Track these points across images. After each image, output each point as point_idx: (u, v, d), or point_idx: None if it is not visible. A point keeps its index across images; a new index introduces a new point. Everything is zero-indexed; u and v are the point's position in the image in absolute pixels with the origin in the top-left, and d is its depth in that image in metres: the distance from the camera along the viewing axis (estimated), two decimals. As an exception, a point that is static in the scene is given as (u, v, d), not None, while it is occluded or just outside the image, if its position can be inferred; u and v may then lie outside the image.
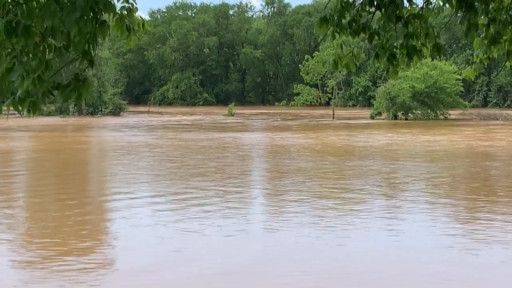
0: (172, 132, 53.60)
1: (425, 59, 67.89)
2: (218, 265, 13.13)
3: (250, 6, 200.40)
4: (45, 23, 5.01)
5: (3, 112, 5.26)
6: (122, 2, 5.64)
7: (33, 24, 4.88)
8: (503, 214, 18.17)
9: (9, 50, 4.96)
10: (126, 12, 5.78)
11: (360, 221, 17.36)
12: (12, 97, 5.03)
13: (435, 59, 74.85)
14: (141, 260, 13.63)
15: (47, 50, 5.09)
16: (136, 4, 5.91)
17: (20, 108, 5.06)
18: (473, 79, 8.32)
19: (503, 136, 49.35)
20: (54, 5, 4.89)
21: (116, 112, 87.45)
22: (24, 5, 4.90)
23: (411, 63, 6.82)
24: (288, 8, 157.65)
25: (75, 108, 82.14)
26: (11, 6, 4.87)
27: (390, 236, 15.75)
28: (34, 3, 4.98)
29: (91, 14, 5.00)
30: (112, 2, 5.33)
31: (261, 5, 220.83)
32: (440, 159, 33.03)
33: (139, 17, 6.06)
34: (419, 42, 6.76)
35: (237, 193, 22.34)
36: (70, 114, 79.80)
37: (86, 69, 5.35)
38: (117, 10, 5.44)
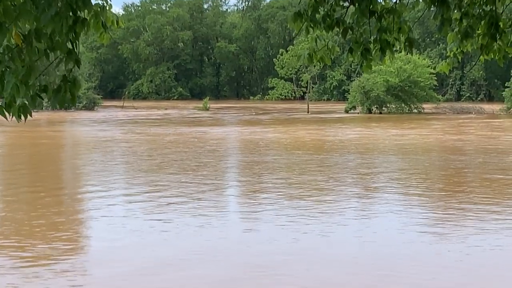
0: (142, 127, 53.43)
1: (399, 53, 68.41)
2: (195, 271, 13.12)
3: (225, 0, 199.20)
4: (27, 24, 4.97)
5: None
6: (96, -1, 5.63)
7: (8, 24, 4.83)
8: (459, 209, 18.35)
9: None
10: (99, 9, 5.76)
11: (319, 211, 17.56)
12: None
13: (408, 53, 75.17)
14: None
15: (32, 53, 5.03)
16: (110, 1, 5.89)
17: (6, 114, 5.00)
18: (447, 73, 8.36)
19: (471, 130, 49.78)
20: (29, 3, 4.85)
21: (90, 106, 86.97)
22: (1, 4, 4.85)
23: (384, 57, 6.86)
24: (263, 2, 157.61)
25: (49, 102, 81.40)
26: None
27: (357, 221, 15.84)
28: (9, 2, 4.92)
29: (70, 12, 4.95)
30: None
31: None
32: (407, 153, 33.20)
33: (112, 14, 6.04)
34: (392, 37, 6.79)
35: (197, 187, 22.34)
36: (43, 108, 79.12)
37: (73, 69, 5.30)
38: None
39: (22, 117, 5.12)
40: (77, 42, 5.24)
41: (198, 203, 19.14)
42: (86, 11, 5.25)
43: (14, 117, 5.12)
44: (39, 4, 4.86)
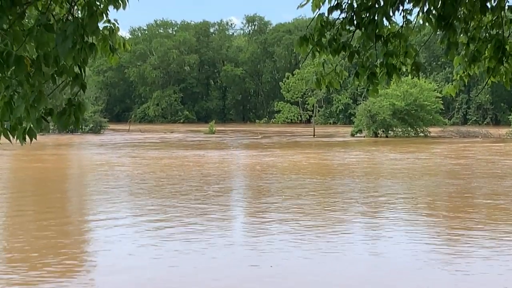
0: (145, 150, 53.22)
1: (405, 77, 68.10)
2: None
3: (231, 24, 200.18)
4: (35, 50, 4.98)
5: None
6: (104, 22, 5.65)
7: (23, 53, 4.85)
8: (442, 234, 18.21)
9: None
10: (108, 33, 5.80)
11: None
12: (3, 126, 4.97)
13: (414, 77, 75.24)
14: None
15: (41, 77, 5.04)
16: (118, 24, 5.92)
17: (11, 136, 5.00)
18: (453, 96, 8.34)
19: (472, 154, 49.43)
20: (45, 34, 4.87)
21: (97, 130, 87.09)
22: (11, 31, 4.86)
23: (390, 81, 6.86)
24: (269, 26, 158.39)
25: (55, 126, 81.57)
26: (1, 36, 4.83)
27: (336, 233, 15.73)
28: (18, 27, 4.94)
29: (80, 39, 4.98)
30: (98, 26, 5.33)
31: (242, 23, 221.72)
32: (403, 177, 33.04)
33: (120, 37, 6.07)
34: (398, 61, 6.79)
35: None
36: (50, 131, 79.09)
37: (78, 93, 5.31)
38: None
39: (28, 140, 5.12)
40: (85, 67, 5.27)
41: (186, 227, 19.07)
42: (94, 36, 5.28)
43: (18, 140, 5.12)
44: (56, 35, 4.88)
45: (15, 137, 5.08)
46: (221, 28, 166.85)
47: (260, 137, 78.76)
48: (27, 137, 5.13)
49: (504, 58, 7.05)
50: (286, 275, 13.71)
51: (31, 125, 5.05)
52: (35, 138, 5.17)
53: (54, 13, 5.25)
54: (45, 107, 5.17)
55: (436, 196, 26.46)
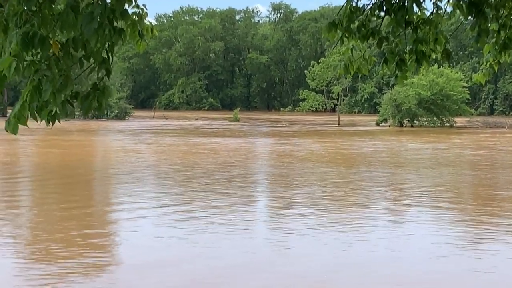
0: (168, 136, 53.57)
1: (432, 66, 67.96)
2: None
3: (257, 11, 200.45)
4: (65, 34, 4.99)
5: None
6: (133, 8, 5.65)
7: (49, 35, 4.86)
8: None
9: (28, 62, 4.92)
10: (136, 18, 5.81)
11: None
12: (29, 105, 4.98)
13: (441, 67, 74.88)
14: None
15: (69, 61, 5.05)
16: (146, 9, 5.93)
17: (38, 117, 5.02)
18: (483, 84, 8.27)
19: (494, 144, 48.88)
20: (72, 15, 4.87)
21: (121, 116, 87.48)
22: (39, 14, 4.87)
23: (420, 68, 6.82)
24: (295, 13, 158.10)
25: (81, 111, 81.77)
26: (27, 17, 4.84)
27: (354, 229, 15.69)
28: (47, 11, 4.95)
29: (108, 22, 4.98)
30: (127, 10, 5.33)
31: (268, 10, 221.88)
32: (419, 167, 32.80)
33: (148, 22, 6.08)
34: (428, 48, 6.74)
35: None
36: (75, 117, 79.25)
37: (104, 78, 5.32)
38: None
39: (50, 122, 5.13)
40: (112, 52, 5.27)
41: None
42: (123, 21, 5.28)
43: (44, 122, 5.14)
44: (82, 16, 4.89)
45: (41, 119, 5.09)
46: (246, 15, 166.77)
47: (284, 125, 78.77)
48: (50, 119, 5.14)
49: (534, 46, 6.99)
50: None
51: (57, 109, 5.07)
52: (59, 121, 5.18)
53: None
54: (71, 91, 5.19)
55: (447, 186, 26.15)
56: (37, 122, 5.13)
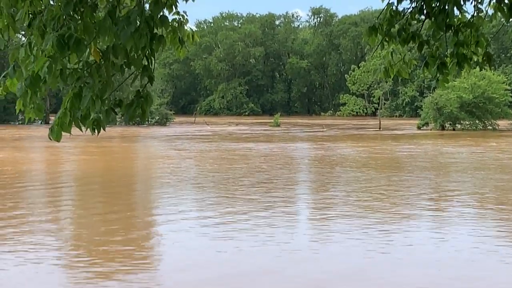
0: (211, 142, 53.82)
1: (473, 69, 67.09)
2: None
3: (296, 16, 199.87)
4: (105, 41, 5.05)
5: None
6: (173, 14, 5.69)
7: (86, 40, 4.92)
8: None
9: (71, 70, 4.99)
10: (177, 25, 5.85)
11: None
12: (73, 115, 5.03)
13: (483, 69, 74.10)
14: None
15: (110, 68, 5.11)
16: (186, 16, 5.97)
17: (82, 126, 5.07)
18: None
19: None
20: (109, 21, 4.94)
21: (163, 122, 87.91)
22: (80, 21, 4.94)
23: (461, 71, 6.78)
24: (335, 18, 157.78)
25: (122, 118, 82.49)
26: (65, 21, 4.90)
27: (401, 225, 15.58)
28: (89, 19, 5.02)
29: (147, 29, 5.03)
30: (167, 17, 5.38)
31: (307, 15, 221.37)
32: (450, 171, 32.41)
33: (189, 29, 6.12)
34: (469, 51, 6.70)
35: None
36: (117, 123, 79.73)
37: (146, 85, 5.37)
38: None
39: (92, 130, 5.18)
40: (153, 59, 5.31)
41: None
42: (163, 28, 5.32)
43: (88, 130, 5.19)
44: (119, 21, 4.94)
45: (86, 127, 5.14)
46: (286, 20, 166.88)
47: (325, 129, 78.67)
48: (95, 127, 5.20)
49: None
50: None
51: (100, 116, 5.12)
52: (104, 129, 5.23)
53: (124, 4, 5.31)
54: (114, 99, 5.24)
55: (471, 189, 25.82)
56: (82, 131, 5.19)
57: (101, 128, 5.16)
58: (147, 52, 5.17)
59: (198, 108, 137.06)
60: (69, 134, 5.16)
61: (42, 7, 5.03)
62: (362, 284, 12.59)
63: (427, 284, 12.43)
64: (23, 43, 5.16)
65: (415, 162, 37.31)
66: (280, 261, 14.13)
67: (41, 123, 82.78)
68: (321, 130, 77.96)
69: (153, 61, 5.33)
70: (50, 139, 5.07)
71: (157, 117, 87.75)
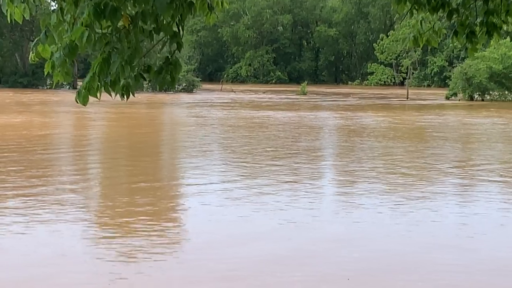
0: (233, 109, 53.88)
1: (504, 39, 65.75)
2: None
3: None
4: (135, 7, 5.07)
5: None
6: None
7: (121, 7, 4.94)
8: None
9: (100, 35, 5.02)
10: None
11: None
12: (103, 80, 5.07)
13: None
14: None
15: (139, 34, 5.14)
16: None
17: (111, 91, 5.12)
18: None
19: None
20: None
21: (189, 89, 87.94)
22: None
23: (491, 40, 6.74)
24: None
25: (149, 84, 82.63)
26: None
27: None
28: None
29: None
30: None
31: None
32: (470, 142, 32.27)
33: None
34: (499, 19, 6.65)
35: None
36: (144, 90, 79.78)
37: (175, 52, 5.40)
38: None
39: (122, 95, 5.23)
40: (183, 25, 5.34)
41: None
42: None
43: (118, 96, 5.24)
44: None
45: (115, 93, 5.19)
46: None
47: (350, 98, 78.39)
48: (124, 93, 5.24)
49: None
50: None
51: (129, 82, 5.17)
52: (133, 95, 5.28)
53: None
54: (143, 65, 5.28)
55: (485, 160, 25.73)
56: (111, 96, 5.25)
57: (131, 93, 5.21)
58: (177, 18, 5.20)
59: (225, 76, 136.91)
60: (97, 98, 5.22)
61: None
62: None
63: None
64: (54, 9, 5.19)
65: (436, 132, 37.21)
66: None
67: (68, 88, 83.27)
68: (347, 99, 77.68)
69: (183, 28, 5.36)
70: (77, 102, 5.13)
71: (184, 84, 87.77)
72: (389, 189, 19.05)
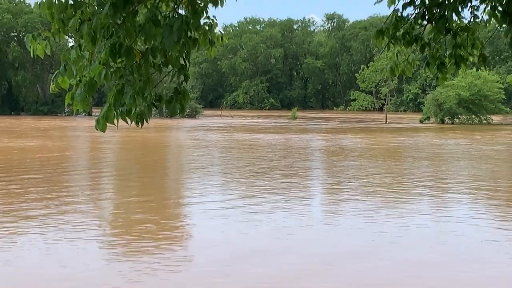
0: (234, 132, 53.88)
1: (470, 69, 65.80)
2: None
3: (312, 21, 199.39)
4: (145, 44, 5.13)
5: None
6: (204, 19, 5.75)
7: (133, 45, 4.99)
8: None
9: (114, 69, 5.07)
10: (208, 28, 5.92)
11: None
12: (119, 109, 5.11)
13: (479, 70, 73.90)
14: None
15: (149, 67, 5.18)
16: (216, 20, 6.03)
17: (127, 119, 5.16)
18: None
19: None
20: (153, 28, 5.00)
21: (192, 114, 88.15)
22: (123, 24, 5.00)
23: (459, 70, 6.80)
24: (346, 23, 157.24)
25: (156, 110, 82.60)
26: (114, 29, 4.97)
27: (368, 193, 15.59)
28: (130, 23, 5.07)
29: (187, 36, 5.11)
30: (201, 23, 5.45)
31: (322, 20, 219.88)
32: (418, 159, 32.31)
33: (218, 32, 6.18)
34: (466, 52, 6.72)
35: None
36: (152, 116, 79.47)
37: (183, 82, 5.44)
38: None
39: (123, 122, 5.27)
40: (189, 59, 5.39)
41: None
42: (196, 31, 5.39)
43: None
44: (162, 28, 5.01)
45: (131, 120, 5.22)
46: (303, 25, 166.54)
47: (337, 122, 78.64)
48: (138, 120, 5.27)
49: None
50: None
51: (143, 110, 5.20)
52: (147, 122, 5.33)
53: (161, 10, 5.37)
54: (154, 95, 5.32)
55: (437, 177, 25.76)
56: (127, 123, 5.29)
57: (145, 121, 5.26)
58: (184, 53, 5.25)
59: (224, 103, 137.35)
60: (115, 125, 5.25)
61: (90, 15, 5.10)
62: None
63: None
64: (73, 45, 5.24)
65: (410, 151, 37.25)
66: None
67: (84, 114, 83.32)
68: (329, 122, 77.86)
69: (189, 61, 5.41)
70: (97, 129, 5.16)
71: (187, 110, 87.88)
72: (362, 199, 19.15)
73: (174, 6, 5.36)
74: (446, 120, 76.85)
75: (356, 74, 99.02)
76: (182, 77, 5.38)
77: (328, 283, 10.97)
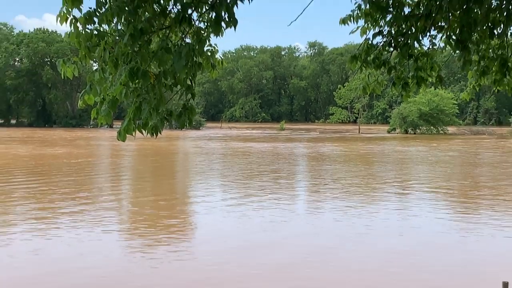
0: (227, 142, 53.70)
1: (429, 88, 66.14)
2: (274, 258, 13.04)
3: (297, 48, 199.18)
4: (159, 68, 5.18)
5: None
6: (207, 46, 5.77)
7: (148, 68, 5.04)
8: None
9: (132, 89, 5.12)
10: (210, 54, 5.94)
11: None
12: (137, 123, 5.16)
13: (437, 88, 74.17)
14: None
15: (162, 87, 5.23)
16: (217, 47, 6.05)
17: (143, 131, 5.21)
18: (467, 100, 8.26)
19: (458, 147, 48.37)
20: (165, 55, 5.05)
21: (197, 126, 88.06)
22: (139, 51, 5.05)
23: (420, 89, 6.84)
24: (326, 49, 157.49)
25: (167, 123, 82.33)
26: (132, 56, 5.03)
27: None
28: (145, 50, 5.11)
29: (193, 60, 5.17)
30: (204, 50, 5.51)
31: (305, 47, 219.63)
32: (379, 162, 32.40)
33: (219, 57, 6.20)
34: (426, 74, 6.76)
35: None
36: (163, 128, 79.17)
37: (190, 99, 5.49)
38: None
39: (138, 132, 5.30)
40: (194, 80, 5.43)
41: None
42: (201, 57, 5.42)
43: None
44: (172, 54, 5.05)
45: (146, 132, 5.26)
46: (290, 51, 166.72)
47: (318, 133, 78.65)
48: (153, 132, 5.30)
49: (507, 72, 6.98)
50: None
51: (157, 123, 5.24)
52: (160, 133, 5.36)
53: (171, 39, 5.40)
54: (166, 110, 5.35)
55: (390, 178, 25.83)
56: (143, 134, 5.33)
57: (158, 132, 5.30)
58: (190, 75, 5.29)
59: (223, 117, 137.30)
60: (133, 136, 5.29)
61: (113, 44, 5.15)
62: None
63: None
64: (97, 68, 5.28)
65: (378, 157, 37.25)
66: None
67: (107, 127, 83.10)
68: (314, 133, 77.86)
69: (195, 82, 5.44)
70: (118, 139, 5.22)
71: (193, 123, 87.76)
72: (338, 197, 19.15)
73: (182, 35, 5.39)
74: (409, 131, 77.12)
75: (334, 92, 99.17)
76: (189, 95, 5.41)
77: (312, 268, 10.97)
